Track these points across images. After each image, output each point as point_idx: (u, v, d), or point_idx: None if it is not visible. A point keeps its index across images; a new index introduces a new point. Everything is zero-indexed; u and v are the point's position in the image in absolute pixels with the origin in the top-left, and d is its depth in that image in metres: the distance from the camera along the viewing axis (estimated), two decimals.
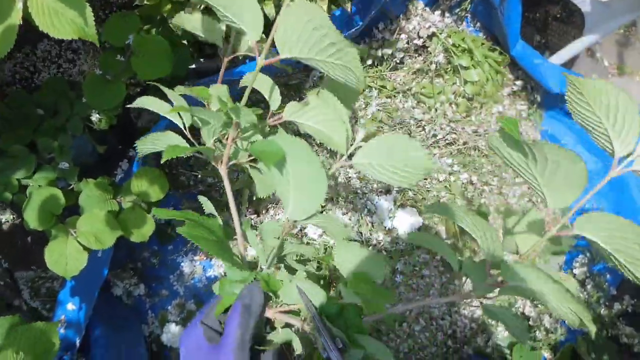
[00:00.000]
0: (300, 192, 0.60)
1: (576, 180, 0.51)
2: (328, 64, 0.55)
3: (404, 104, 1.41)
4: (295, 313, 0.58)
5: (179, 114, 0.71)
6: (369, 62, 1.42)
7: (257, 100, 1.29)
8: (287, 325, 0.59)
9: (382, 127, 1.39)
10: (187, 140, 0.71)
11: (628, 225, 0.49)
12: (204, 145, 0.68)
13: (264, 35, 0.59)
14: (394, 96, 1.42)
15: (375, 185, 1.38)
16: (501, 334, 1.38)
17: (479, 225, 0.57)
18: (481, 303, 0.60)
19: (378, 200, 1.36)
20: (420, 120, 1.41)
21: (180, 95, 0.70)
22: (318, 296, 0.57)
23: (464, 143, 1.41)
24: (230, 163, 0.69)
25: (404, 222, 1.35)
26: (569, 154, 0.49)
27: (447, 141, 1.40)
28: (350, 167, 0.64)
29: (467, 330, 1.38)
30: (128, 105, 0.78)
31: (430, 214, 0.64)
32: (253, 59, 1.19)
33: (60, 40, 1.27)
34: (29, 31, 0.62)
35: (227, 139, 0.66)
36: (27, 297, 1.43)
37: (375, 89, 1.42)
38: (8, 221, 1.39)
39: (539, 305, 1.36)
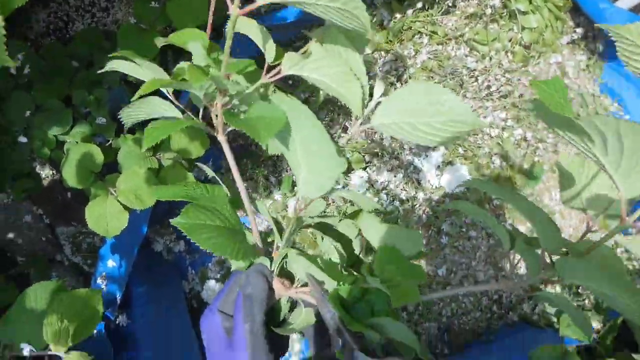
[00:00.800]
0: (311, 165, 0.51)
1: None
2: (331, 9, 0.44)
3: (456, 52, 1.30)
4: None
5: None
6: (419, 4, 1.31)
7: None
8: (309, 304, 0.53)
9: (432, 77, 1.30)
10: (175, 106, 0.58)
11: None
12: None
13: None
14: (446, 43, 1.32)
15: None
16: None
17: (537, 214, 0.49)
18: (533, 290, 0.52)
19: (425, 157, 1.29)
20: (473, 70, 1.31)
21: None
22: (332, 283, 0.50)
23: (520, 96, 1.30)
24: (230, 129, 0.57)
25: (453, 180, 1.28)
26: (629, 124, 0.36)
27: (501, 93, 1.30)
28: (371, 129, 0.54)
29: (513, 296, 1.32)
30: (100, 71, 0.67)
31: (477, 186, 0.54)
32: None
33: None
34: None
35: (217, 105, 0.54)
36: (69, 252, 1.43)
37: (426, 35, 1.32)
38: (47, 177, 1.38)
39: None
